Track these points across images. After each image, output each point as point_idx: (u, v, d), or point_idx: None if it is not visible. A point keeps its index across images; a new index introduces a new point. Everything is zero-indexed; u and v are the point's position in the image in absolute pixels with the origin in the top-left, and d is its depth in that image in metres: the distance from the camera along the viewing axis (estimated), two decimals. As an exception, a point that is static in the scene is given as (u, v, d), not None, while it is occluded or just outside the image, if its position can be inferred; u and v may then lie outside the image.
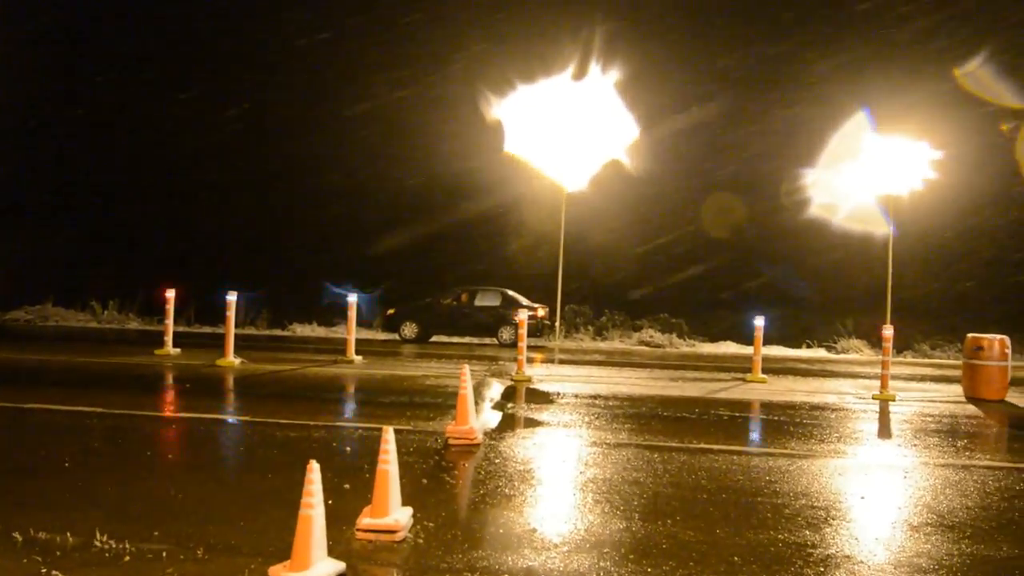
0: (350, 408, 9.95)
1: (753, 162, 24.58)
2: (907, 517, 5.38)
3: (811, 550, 4.60)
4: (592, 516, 5.15)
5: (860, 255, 20.45)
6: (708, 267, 24.22)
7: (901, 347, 20.29)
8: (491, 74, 16.63)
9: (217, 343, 14.27)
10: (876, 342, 19.36)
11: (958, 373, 12.61)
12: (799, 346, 21.21)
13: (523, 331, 12.44)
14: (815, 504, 5.56)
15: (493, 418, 8.66)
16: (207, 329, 22.08)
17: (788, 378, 13.84)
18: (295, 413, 8.62)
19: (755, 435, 8.68)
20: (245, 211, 25.94)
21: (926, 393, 12.32)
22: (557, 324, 17.30)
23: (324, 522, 3.92)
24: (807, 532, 4.92)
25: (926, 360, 20.02)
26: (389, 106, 25.84)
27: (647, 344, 21.64)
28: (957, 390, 12.26)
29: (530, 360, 14.08)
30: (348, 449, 7.06)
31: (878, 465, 7.02)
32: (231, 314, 13.50)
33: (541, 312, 19.92)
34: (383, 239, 24.87)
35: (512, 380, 11.93)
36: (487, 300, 20.30)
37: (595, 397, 10.52)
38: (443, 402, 9.58)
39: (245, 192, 26.12)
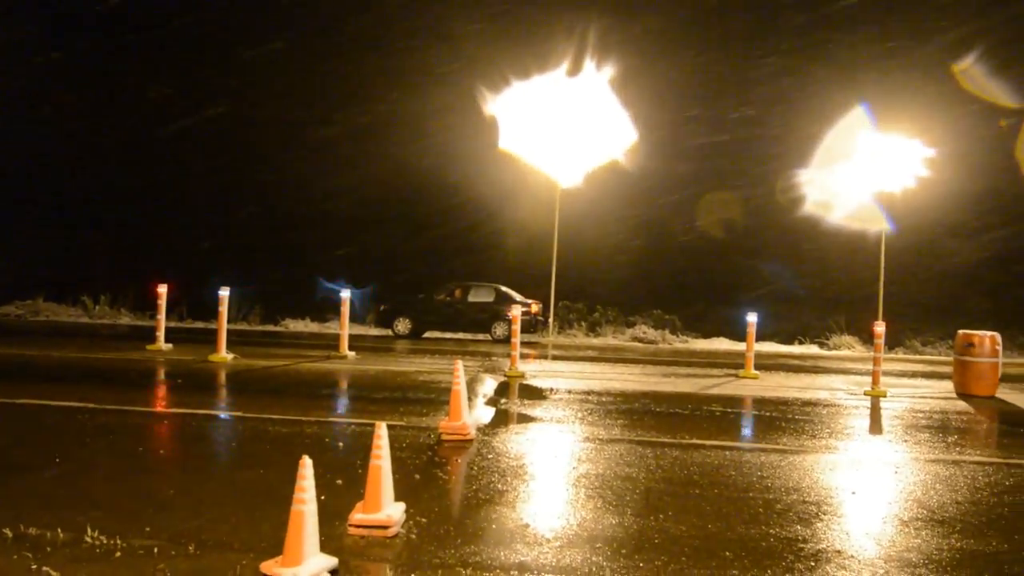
0: (343, 404, 9.93)
1: (747, 159, 24.63)
2: (898, 512, 5.41)
3: (802, 545, 4.62)
4: (585, 511, 5.16)
5: (853, 252, 20.54)
6: (702, 263, 24.28)
7: (893, 344, 20.40)
8: (485, 70, 16.60)
9: (210, 339, 14.22)
10: (868, 339, 19.43)
11: (949, 369, 12.68)
12: (791, 342, 21.29)
13: (516, 327, 12.45)
14: (806, 499, 5.59)
15: (486, 414, 8.66)
16: (199, 324, 22.01)
17: (780, 374, 13.89)
18: (287, 409, 8.60)
19: (747, 431, 8.71)
20: (238, 206, 25.85)
21: (917, 389, 12.39)
22: (551, 320, 17.32)
23: (316, 518, 3.91)
24: (798, 527, 4.95)
25: (917, 357, 20.13)
26: (383, 101, 25.78)
27: (640, 340, 21.68)
28: (948, 386, 12.33)
29: (523, 356, 14.09)
30: (341, 445, 7.05)
31: (869, 460, 7.05)
32: (223, 309, 13.44)
33: (535, 308, 19.93)
34: (376, 234, 24.85)
35: (505, 376, 11.93)
36: (481, 296, 20.29)
37: (588, 393, 10.54)
38: (436, 398, 9.58)
39: (238, 187, 26.01)
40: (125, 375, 11.42)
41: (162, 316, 14.54)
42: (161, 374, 11.63)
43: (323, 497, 4.64)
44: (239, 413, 8.55)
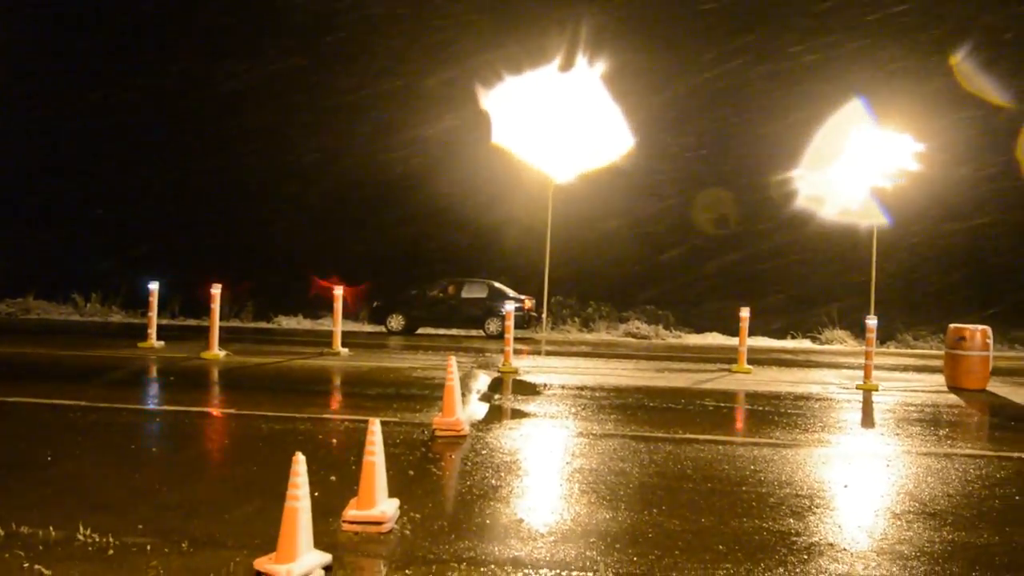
0: (336, 400, 9.91)
1: (740, 153, 24.66)
2: (890, 505, 5.44)
3: (795, 538, 4.64)
4: (578, 506, 5.17)
5: (845, 247, 20.63)
6: (695, 259, 24.32)
7: (884, 338, 20.50)
8: (479, 65, 16.58)
9: (202, 336, 14.17)
10: (860, 333, 19.55)
11: (940, 363, 12.75)
12: (784, 337, 21.37)
13: (510, 323, 12.45)
14: (799, 493, 5.61)
15: (480, 409, 8.67)
16: (192, 322, 21.93)
17: (773, 368, 13.94)
18: (280, 405, 8.58)
19: (740, 425, 8.74)
20: (230, 202, 25.73)
21: (909, 383, 12.45)
22: (544, 316, 17.33)
23: (310, 514, 3.91)
24: (791, 520, 4.97)
25: (909, 350, 20.24)
26: (375, 97, 25.70)
27: (633, 335, 21.72)
28: (939, 380, 12.40)
29: (517, 352, 14.09)
30: (334, 441, 7.04)
31: (861, 454, 7.09)
32: (216, 307, 13.40)
33: (528, 304, 19.93)
34: (370, 230, 24.79)
35: (499, 371, 11.94)
36: (474, 292, 20.28)
37: (582, 388, 10.55)
38: (430, 394, 9.57)
39: (230, 183, 25.89)
40: (117, 373, 11.37)
41: (154, 313, 14.48)
42: (153, 371, 11.59)
43: (317, 493, 4.63)
44: (232, 410, 8.53)
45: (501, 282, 20.73)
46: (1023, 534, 4.87)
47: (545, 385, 10.78)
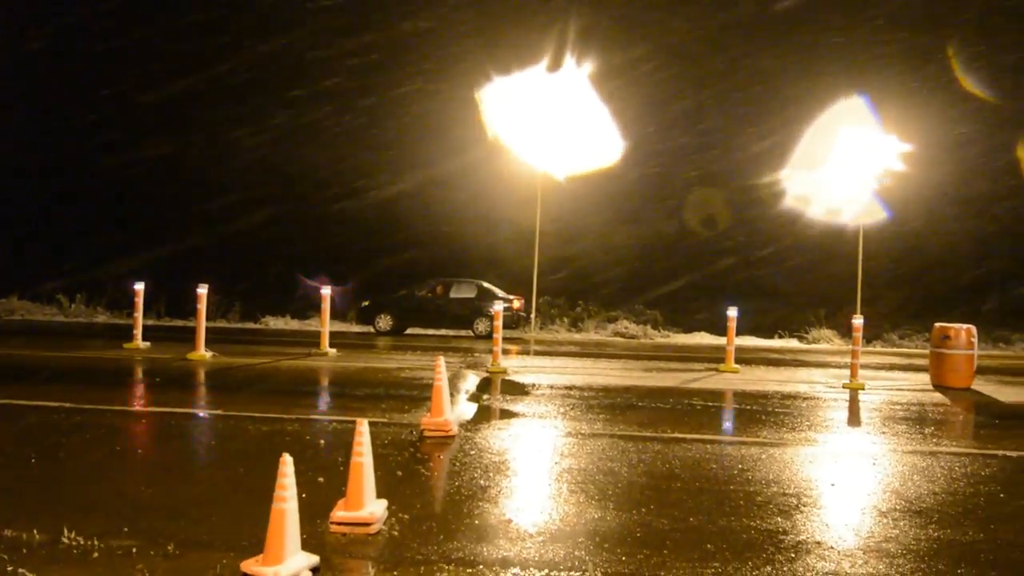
0: (324, 401, 9.87)
1: (729, 154, 24.76)
2: (876, 503, 5.47)
3: (782, 536, 4.66)
4: (567, 506, 5.17)
5: (831, 246, 20.75)
6: (684, 259, 24.39)
7: (870, 337, 20.61)
8: (472, 63, 16.56)
9: (188, 337, 14.06)
10: (846, 332, 19.67)
11: (925, 362, 12.84)
12: (771, 336, 21.46)
13: (498, 323, 12.43)
14: (786, 491, 5.64)
15: (468, 410, 8.65)
16: (178, 322, 21.76)
17: (760, 368, 14.00)
18: (268, 407, 8.53)
19: (728, 424, 8.77)
20: (217, 202, 25.56)
21: (894, 382, 12.54)
22: (533, 316, 17.33)
23: (298, 516, 3.89)
24: (779, 519, 4.99)
25: (895, 349, 20.38)
26: (369, 94, 25.63)
27: (622, 335, 21.75)
28: (924, 378, 12.49)
29: (505, 352, 14.08)
30: (322, 442, 7.01)
31: (848, 452, 7.13)
32: (202, 307, 13.30)
33: (516, 304, 19.93)
34: (357, 230, 24.69)
35: (487, 372, 11.92)
36: (462, 292, 20.25)
37: (570, 388, 10.56)
38: (418, 394, 9.55)
39: (217, 183, 25.73)
40: (102, 374, 11.27)
41: (139, 314, 14.36)
42: (139, 373, 11.50)
43: (304, 495, 4.60)
44: (219, 411, 8.47)
45: (489, 282, 20.71)
46: (1008, 531, 4.92)
47: (534, 385, 10.77)
